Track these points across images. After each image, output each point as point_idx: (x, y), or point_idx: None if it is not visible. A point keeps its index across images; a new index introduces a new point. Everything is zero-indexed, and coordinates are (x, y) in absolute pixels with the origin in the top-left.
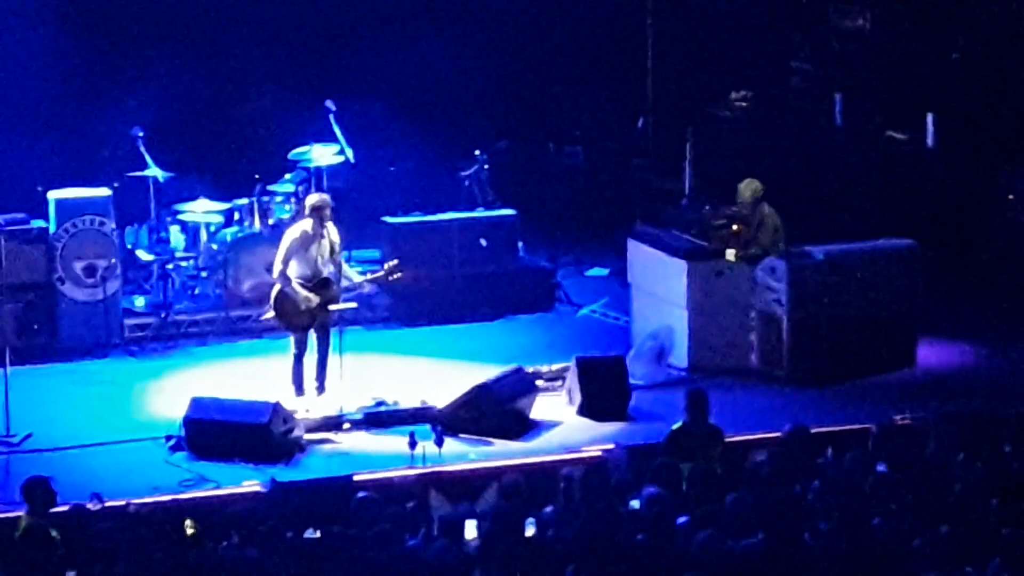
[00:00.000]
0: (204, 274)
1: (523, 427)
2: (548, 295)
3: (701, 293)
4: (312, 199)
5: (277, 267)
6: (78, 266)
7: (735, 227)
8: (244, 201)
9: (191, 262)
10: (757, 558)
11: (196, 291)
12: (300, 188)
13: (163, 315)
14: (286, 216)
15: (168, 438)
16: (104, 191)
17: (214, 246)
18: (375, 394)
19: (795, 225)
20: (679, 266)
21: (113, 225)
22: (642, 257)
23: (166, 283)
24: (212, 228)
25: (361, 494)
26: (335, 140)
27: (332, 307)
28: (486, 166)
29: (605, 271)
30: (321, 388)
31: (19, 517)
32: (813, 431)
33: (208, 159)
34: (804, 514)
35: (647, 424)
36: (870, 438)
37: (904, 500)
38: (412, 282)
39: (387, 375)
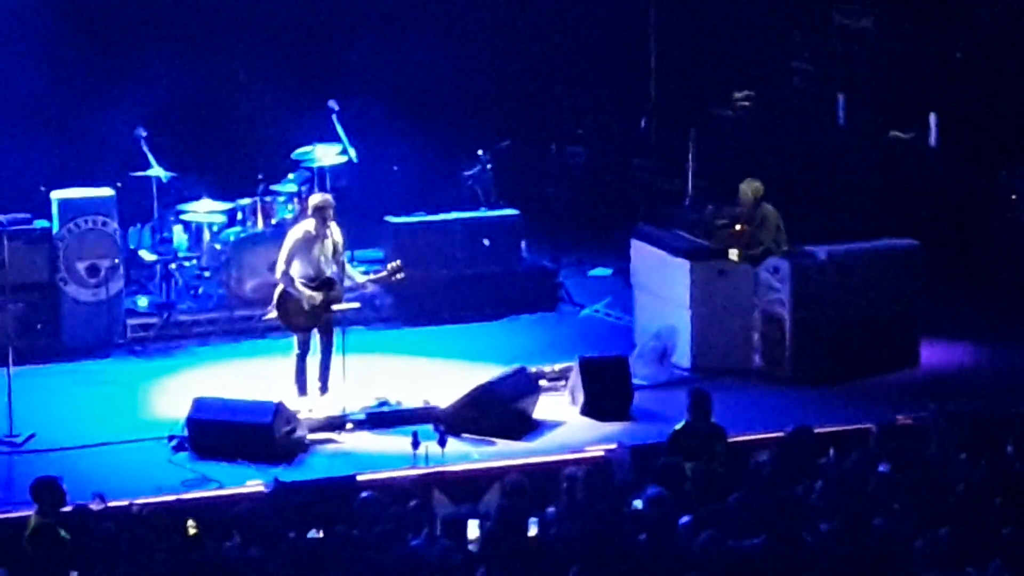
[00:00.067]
0: (207, 274)
1: (526, 427)
2: (551, 295)
3: (704, 293)
4: (315, 199)
5: (280, 267)
6: (81, 266)
7: (738, 227)
8: (247, 201)
9: (194, 262)
10: (759, 558)
11: (199, 291)
12: (303, 188)
13: (166, 315)
14: (289, 216)
15: (171, 438)
16: (107, 191)
17: (217, 246)
18: (378, 394)
19: (797, 225)
20: (682, 266)
21: (116, 225)
22: (645, 257)
23: (169, 283)
24: (215, 228)
25: (364, 494)
26: (338, 140)
27: (335, 307)
28: (489, 166)
29: (608, 271)
30: (324, 388)
31: (29, 516)
32: (816, 431)
33: (211, 159)
34: (806, 514)
35: (650, 424)
36: (871, 438)
37: (906, 500)
38: (415, 282)
39: (390, 375)
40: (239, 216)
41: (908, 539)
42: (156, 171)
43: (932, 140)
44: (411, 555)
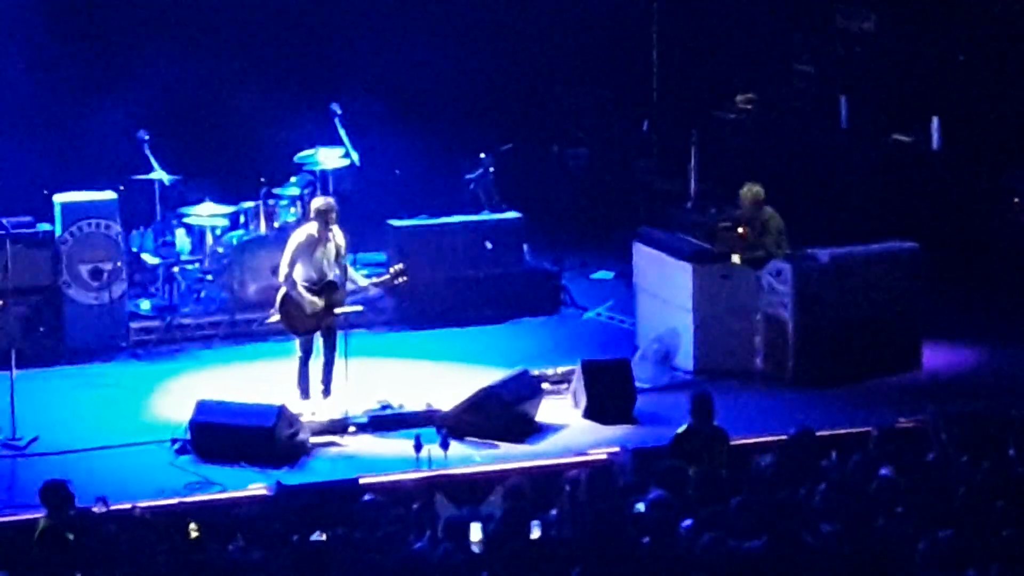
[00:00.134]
0: (210, 277)
1: (528, 430)
2: (553, 298)
3: (706, 296)
4: (317, 202)
5: (283, 270)
6: (84, 269)
7: (740, 230)
8: (250, 204)
9: (196, 265)
10: (761, 560)
11: (202, 294)
12: (305, 191)
13: (168, 318)
14: (291, 219)
15: (174, 441)
16: (109, 194)
17: (220, 249)
18: (380, 397)
19: (800, 227)
20: (684, 269)
21: (119, 228)
22: (647, 260)
23: (171, 286)
24: (218, 231)
25: (366, 497)
26: (340, 143)
27: (338, 310)
28: (491, 169)
29: (610, 274)
30: (327, 391)
31: (35, 519)
32: (818, 434)
33: (213, 162)
34: (808, 516)
35: (652, 427)
36: (871, 441)
37: (908, 502)
38: (418, 285)
39: (392, 378)
40: (242, 219)
41: (910, 541)
42: (159, 174)
43: (934, 143)
44: (414, 558)
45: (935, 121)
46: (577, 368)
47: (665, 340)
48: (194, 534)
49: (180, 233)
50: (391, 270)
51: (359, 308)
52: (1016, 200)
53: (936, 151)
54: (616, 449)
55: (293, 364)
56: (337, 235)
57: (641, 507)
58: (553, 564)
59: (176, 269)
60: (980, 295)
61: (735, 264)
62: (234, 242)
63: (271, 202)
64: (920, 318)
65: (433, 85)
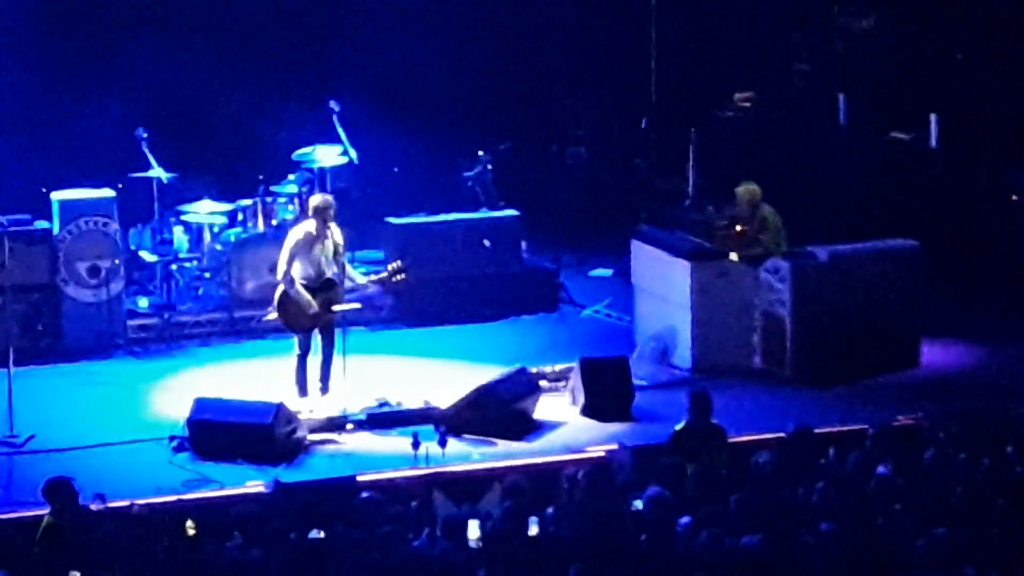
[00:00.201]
0: (207, 275)
1: (526, 428)
2: (551, 296)
3: (704, 294)
4: (315, 200)
5: (281, 268)
6: (81, 267)
7: (738, 228)
8: (248, 202)
9: (194, 263)
10: (759, 559)
11: (199, 292)
12: (304, 189)
13: (166, 316)
14: (290, 217)
15: (171, 439)
16: (107, 192)
17: (218, 247)
18: (378, 395)
19: (798, 225)
20: (682, 267)
21: (116, 226)
22: (645, 258)
23: (169, 284)
24: (216, 229)
25: (364, 494)
26: (339, 141)
27: (336, 308)
28: (489, 167)
29: (608, 272)
30: (325, 389)
31: (29, 516)
32: (816, 431)
33: (212, 160)
34: (807, 514)
35: (650, 424)
36: (867, 439)
37: (906, 501)
38: (416, 283)
39: (390, 376)
40: (240, 217)
41: (908, 539)
42: (157, 172)
43: (933, 141)
44: (412, 555)
45: (933, 119)
46: (575, 366)
47: (663, 338)
48: (191, 532)
49: (178, 231)
50: (389, 268)
51: (357, 306)
52: (1014, 198)
53: (934, 149)
54: (614, 447)
55: (291, 362)
56: (335, 233)
57: (639, 505)
58: (551, 562)
59: (174, 267)
60: (978, 293)
61: (733, 262)
62: (232, 240)
63: (269, 200)
64: (918, 316)
65: (431, 83)
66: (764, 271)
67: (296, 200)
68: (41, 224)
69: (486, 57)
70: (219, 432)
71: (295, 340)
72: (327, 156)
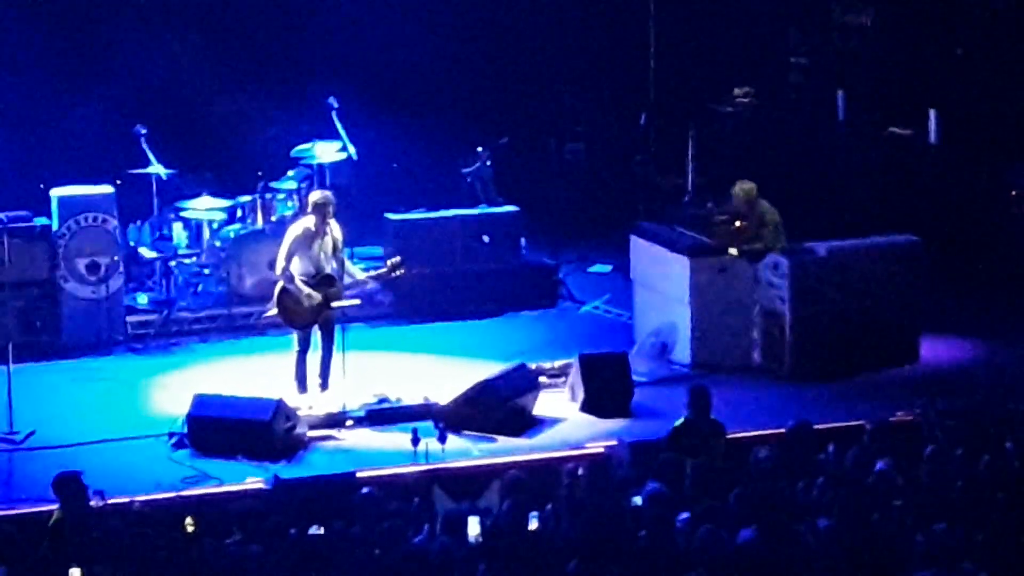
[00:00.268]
0: (207, 271)
1: (526, 424)
2: (551, 292)
3: (704, 289)
4: (315, 196)
5: (280, 264)
6: (81, 263)
7: (737, 223)
8: (247, 198)
9: (194, 259)
10: (758, 554)
11: (199, 288)
12: (303, 185)
13: (166, 312)
14: (289, 213)
15: (171, 435)
16: (107, 188)
17: (217, 243)
18: (378, 391)
19: (797, 221)
20: (682, 262)
21: (116, 222)
22: (645, 253)
23: (169, 280)
24: (215, 225)
25: (364, 491)
26: (338, 137)
27: (335, 304)
28: (488, 163)
29: (608, 267)
30: (324, 385)
31: (35, 512)
32: (815, 427)
33: (211, 156)
34: (805, 510)
35: (650, 420)
36: (865, 435)
37: (906, 497)
38: (415, 279)
39: (390, 372)
40: (239, 213)
41: (907, 535)
42: (156, 168)
43: (932, 136)
44: (411, 552)
45: (933, 115)
46: (574, 362)
47: (662, 334)
48: (190, 528)
49: (177, 227)
50: (388, 263)
51: (357, 302)
52: (1013, 193)
53: (934, 145)
54: (613, 442)
55: (291, 358)
56: (334, 229)
57: (638, 500)
58: (550, 557)
59: (173, 263)
60: (977, 289)
61: (733, 258)
62: (231, 236)
63: (268, 196)
64: (918, 312)
65: (430, 79)
66: (763, 267)
67: (295, 196)
68: (40, 221)
69: (485, 53)
70: (218, 428)
71: (294, 336)
72: (326, 152)
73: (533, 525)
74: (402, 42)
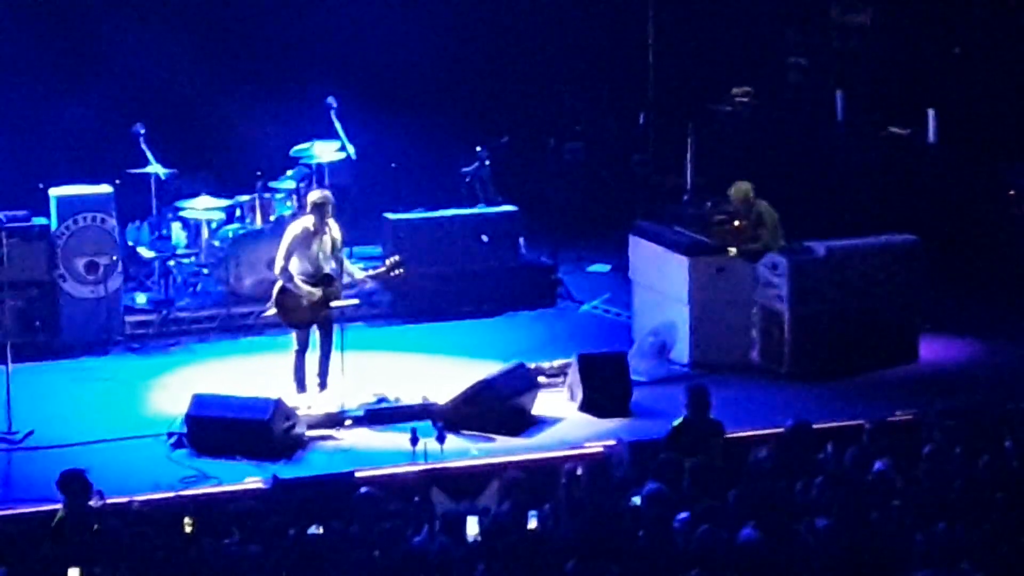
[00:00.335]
0: (206, 271)
1: (525, 423)
2: (549, 291)
3: (703, 289)
4: (313, 195)
5: (279, 263)
6: (79, 263)
7: (736, 223)
8: (246, 198)
9: (193, 259)
10: (757, 554)
11: (198, 288)
12: (301, 184)
13: (164, 312)
14: (287, 212)
15: (170, 435)
16: (105, 188)
17: (216, 243)
18: (376, 390)
19: (796, 221)
20: (681, 262)
21: (114, 222)
22: (643, 253)
23: (167, 280)
24: (213, 225)
25: (363, 490)
26: (336, 136)
27: (334, 303)
28: (487, 162)
29: (606, 267)
30: (323, 384)
31: (40, 512)
32: (814, 427)
33: (209, 156)
34: (805, 509)
35: (648, 420)
36: (864, 435)
37: (904, 496)
38: (414, 279)
39: (389, 371)
40: (238, 213)
41: (906, 534)
42: (155, 168)
43: (930, 136)
44: (410, 551)
45: (931, 114)
46: (573, 361)
47: (661, 333)
48: (188, 528)
49: (176, 227)
50: (387, 263)
51: (355, 301)
52: (1012, 193)
53: (932, 144)
54: (612, 442)
55: (289, 357)
56: (333, 228)
57: (637, 500)
58: (549, 557)
59: (172, 263)
60: (976, 288)
61: (731, 257)
62: (230, 236)
63: (267, 195)
64: (916, 311)
65: (429, 79)
66: (762, 266)
67: (294, 196)
68: (39, 220)
69: (484, 53)
70: (217, 428)
71: (293, 336)
72: (325, 152)
73: (532, 525)
74: (401, 42)
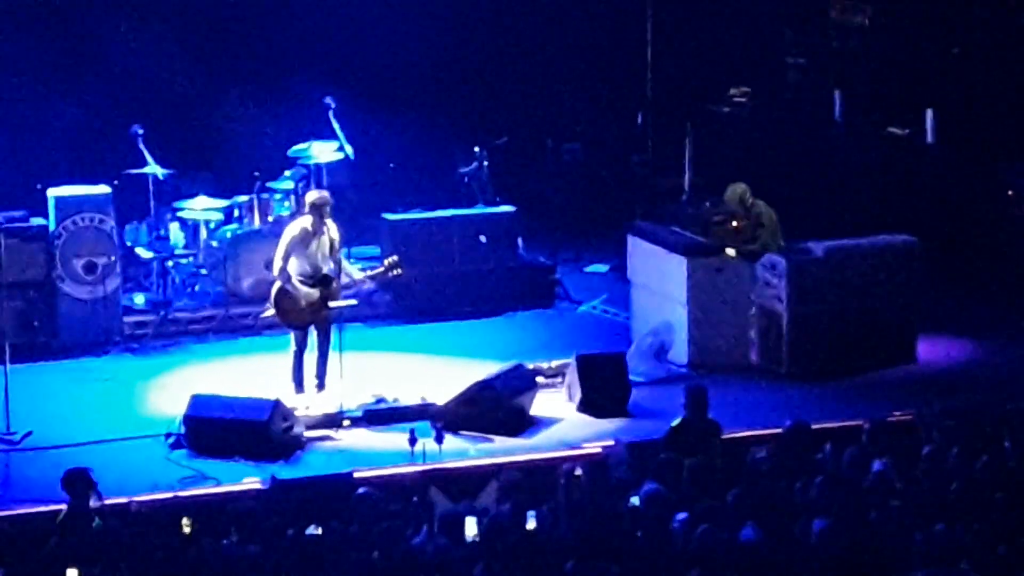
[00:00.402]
0: (204, 271)
1: (523, 424)
2: (548, 292)
3: (701, 289)
4: (312, 196)
5: (277, 264)
6: (78, 264)
7: (735, 223)
8: (244, 198)
9: (191, 259)
10: (756, 554)
11: (196, 288)
12: (300, 185)
13: (163, 312)
14: (286, 213)
15: (168, 435)
16: (104, 188)
17: (214, 243)
18: (375, 391)
19: (795, 221)
20: (679, 262)
21: (113, 222)
22: (642, 253)
23: (166, 280)
24: (212, 225)
25: (361, 491)
26: (335, 137)
27: (332, 304)
28: (486, 163)
29: (605, 267)
30: (321, 385)
31: (40, 513)
32: (813, 427)
33: (207, 156)
34: (803, 510)
35: (647, 420)
36: (863, 435)
37: (903, 496)
38: (412, 279)
39: (387, 372)
40: (236, 213)
41: (905, 535)
42: (153, 168)
43: (929, 136)
44: (409, 552)
45: (930, 115)
46: (572, 362)
47: (660, 333)
48: (187, 529)
49: (174, 227)
50: (385, 263)
51: (354, 302)
52: (1010, 193)
53: (931, 144)
54: (611, 443)
55: (288, 358)
56: (331, 229)
57: (635, 501)
58: (547, 558)
59: (170, 263)
60: (975, 288)
61: (730, 258)
62: (228, 236)
63: (265, 196)
64: (915, 311)
65: (427, 79)
66: (761, 267)
67: (292, 196)
68: (37, 221)
69: (482, 53)
70: (216, 429)
71: (291, 336)
72: (323, 152)
73: (531, 525)
74: (399, 42)
